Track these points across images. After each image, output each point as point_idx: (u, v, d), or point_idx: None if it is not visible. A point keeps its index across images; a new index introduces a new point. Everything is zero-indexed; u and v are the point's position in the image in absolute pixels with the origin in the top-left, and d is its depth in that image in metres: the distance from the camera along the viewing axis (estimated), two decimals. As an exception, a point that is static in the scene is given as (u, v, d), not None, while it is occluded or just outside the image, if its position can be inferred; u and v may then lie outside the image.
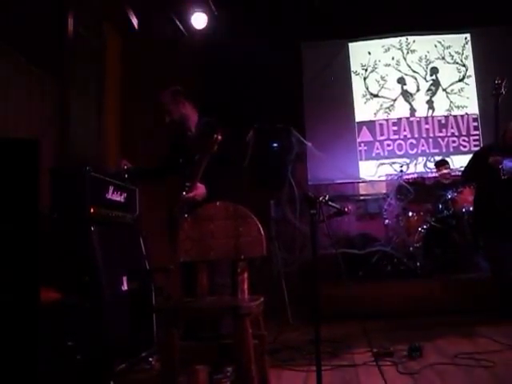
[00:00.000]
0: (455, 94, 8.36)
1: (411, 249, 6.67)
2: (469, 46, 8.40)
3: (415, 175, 7.95)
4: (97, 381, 3.23)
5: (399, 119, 8.38)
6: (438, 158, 8.03)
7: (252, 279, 2.90)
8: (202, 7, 6.90)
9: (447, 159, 7.51)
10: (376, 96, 8.47)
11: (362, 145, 8.35)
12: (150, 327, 3.99)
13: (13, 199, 2.08)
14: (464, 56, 8.39)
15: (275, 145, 6.55)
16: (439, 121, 8.34)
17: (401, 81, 8.47)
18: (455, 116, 8.32)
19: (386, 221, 7.04)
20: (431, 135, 8.31)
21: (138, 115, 5.99)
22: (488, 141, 7.76)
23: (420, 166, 8.18)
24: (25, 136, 3.63)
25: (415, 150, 8.27)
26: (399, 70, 8.48)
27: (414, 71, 8.45)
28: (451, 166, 8.02)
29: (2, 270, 2.07)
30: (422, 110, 8.39)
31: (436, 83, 8.42)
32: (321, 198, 2.87)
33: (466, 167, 5.84)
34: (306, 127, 8.04)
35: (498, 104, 5.20)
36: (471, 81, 8.33)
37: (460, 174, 7.82)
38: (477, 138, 8.18)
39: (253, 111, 7.35)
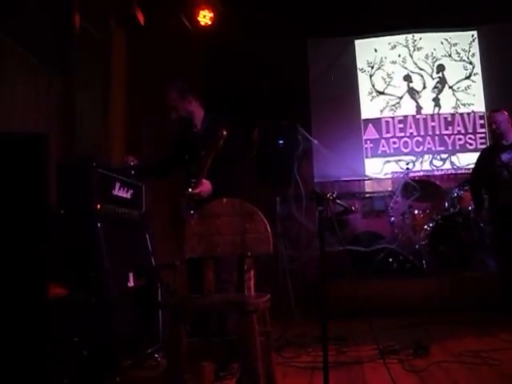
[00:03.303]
0: (462, 91, 8.31)
1: (417, 246, 6.66)
2: (476, 44, 8.34)
3: (421, 173, 7.94)
4: (103, 377, 3.24)
5: (405, 117, 8.35)
6: (444, 156, 8.04)
7: (257, 276, 2.90)
8: (208, 3, 6.88)
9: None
10: (382, 93, 8.43)
11: (368, 142, 8.32)
12: (156, 324, 4.00)
13: (21, 194, 2.08)
14: (471, 53, 8.34)
15: (281, 142, 6.52)
16: (445, 118, 8.29)
17: (407, 78, 8.42)
18: (461, 114, 8.27)
19: (392, 218, 7.02)
20: (437, 133, 8.26)
21: (143, 111, 5.99)
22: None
23: (426, 164, 8.14)
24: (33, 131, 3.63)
25: (421, 147, 8.23)
26: (405, 68, 8.43)
27: (421, 68, 8.41)
28: (457, 164, 8.02)
29: (9, 265, 2.07)
30: (428, 108, 8.35)
31: (442, 81, 8.38)
32: (328, 195, 2.86)
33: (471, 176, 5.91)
34: (311, 124, 8.01)
35: None
36: (478, 78, 8.28)
37: (466, 171, 7.90)
38: (483, 135, 8.13)
39: (259, 108, 7.34)
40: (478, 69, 8.29)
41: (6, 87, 3.84)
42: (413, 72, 8.42)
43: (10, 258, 2.07)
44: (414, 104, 8.37)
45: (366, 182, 8.23)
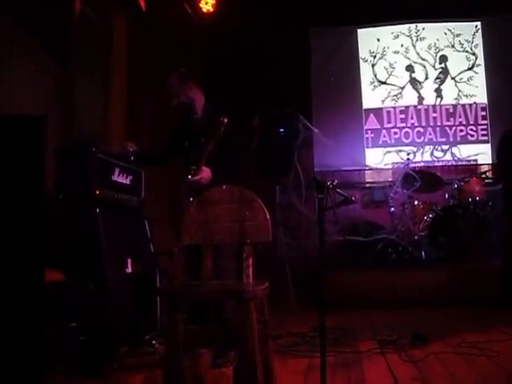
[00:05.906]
0: (464, 82, 8.27)
1: (416, 237, 6.64)
2: (479, 35, 8.28)
3: (422, 164, 7.93)
4: (100, 362, 3.23)
5: (407, 107, 8.31)
6: (445, 147, 8.01)
7: (256, 265, 2.88)
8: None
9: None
10: (384, 83, 8.39)
11: (369, 132, 8.29)
12: (154, 310, 3.99)
13: (18, 177, 2.06)
14: (474, 44, 8.29)
15: (282, 130, 6.50)
16: (447, 109, 8.26)
17: (409, 68, 8.38)
18: (463, 105, 8.23)
19: (392, 209, 7.00)
20: (439, 124, 8.23)
21: (144, 98, 5.96)
22: (496, 130, 7.72)
23: (427, 155, 8.11)
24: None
25: (422, 138, 8.20)
26: (408, 58, 8.38)
27: (423, 59, 8.36)
28: (458, 155, 8.00)
29: (5, 250, 2.05)
30: (429, 99, 8.31)
31: (445, 71, 8.34)
32: (329, 183, 2.84)
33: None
34: (312, 113, 7.98)
35: None
36: (480, 70, 8.23)
37: (466, 163, 7.89)
38: (485, 127, 8.10)
39: (260, 96, 7.31)
40: (480, 60, 8.25)
41: (5, 73, 3.81)
42: (415, 62, 8.37)
43: (5, 242, 2.05)
44: (416, 94, 8.34)
45: (366, 172, 8.22)
